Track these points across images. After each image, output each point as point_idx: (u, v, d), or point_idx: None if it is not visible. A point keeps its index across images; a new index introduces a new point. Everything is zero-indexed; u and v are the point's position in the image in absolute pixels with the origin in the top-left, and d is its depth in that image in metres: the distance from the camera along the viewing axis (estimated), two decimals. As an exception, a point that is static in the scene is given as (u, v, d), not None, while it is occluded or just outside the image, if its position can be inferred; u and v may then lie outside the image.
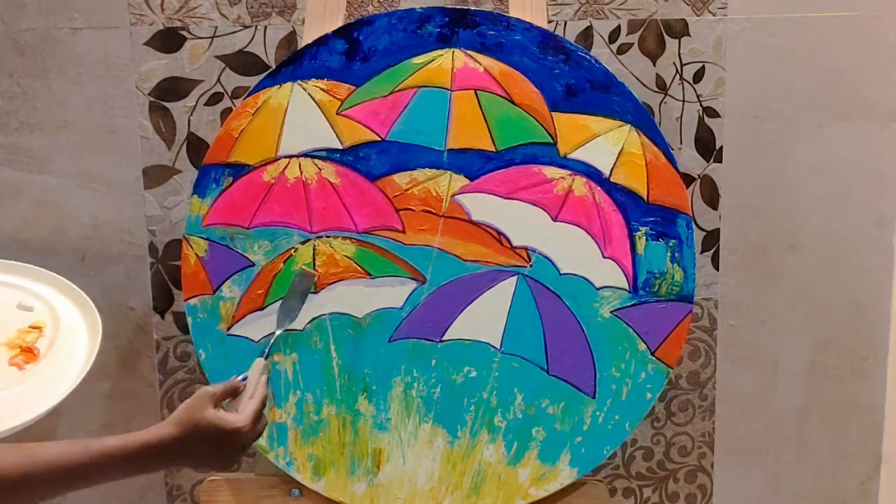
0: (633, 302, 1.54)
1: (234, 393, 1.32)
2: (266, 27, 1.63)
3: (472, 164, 1.52)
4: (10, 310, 1.56)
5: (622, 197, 1.52)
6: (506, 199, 1.53)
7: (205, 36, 1.63)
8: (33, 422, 1.44)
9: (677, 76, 1.68)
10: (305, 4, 1.57)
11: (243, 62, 1.64)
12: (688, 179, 1.69)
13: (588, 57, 1.51)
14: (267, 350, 1.43)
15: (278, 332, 1.48)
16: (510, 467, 1.56)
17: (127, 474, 1.21)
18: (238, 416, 1.27)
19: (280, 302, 1.50)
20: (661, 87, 1.68)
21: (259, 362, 1.38)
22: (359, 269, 1.53)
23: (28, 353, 1.52)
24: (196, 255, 1.54)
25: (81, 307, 1.58)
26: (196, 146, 1.66)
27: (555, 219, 1.53)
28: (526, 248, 1.53)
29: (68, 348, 1.53)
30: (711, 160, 1.71)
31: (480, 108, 1.51)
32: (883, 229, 1.74)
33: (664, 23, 1.66)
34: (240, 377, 1.34)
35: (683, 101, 1.68)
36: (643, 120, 1.52)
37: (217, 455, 1.26)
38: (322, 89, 1.52)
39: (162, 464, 1.24)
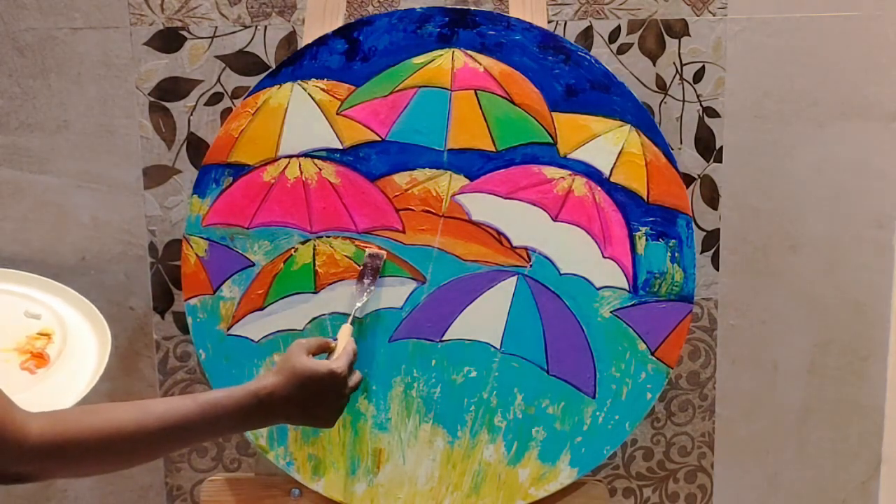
0: (633, 302, 1.54)
1: (324, 348, 1.36)
2: (266, 27, 1.63)
3: (472, 164, 1.52)
4: (18, 317, 1.57)
5: (622, 197, 1.52)
6: (506, 199, 1.53)
7: (205, 36, 1.63)
8: None
9: (677, 76, 1.68)
10: (305, 4, 1.57)
11: (243, 62, 1.64)
12: (688, 179, 1.69)
13: (588, 57, 1.51)
14: (351, 318, 1.46)
15: (359, 304, 1.49)
16: (510, 467, 1.56)
17: (235, 428, 1.23)
18: (333, 360, 1.31)
19: (357, 282, 1.52)
20: (661, 87, 1.68)
21: (346, 327, 1.42)
22: (359, 269, 1.53)
23: (39, 359, 1.52)
24: (196, 255, 1.54)
25: (86, 314, 1.58)
26: (196, 146, 1.66)
27: (555, 219, 1.53)
28: (526, 248, 1.53)
29: (78, 353, 1.54)
30: (711, 160, 1.71)
31: (480, 108, 1.51)
32: (883, 229, 1.74)
33: (664, 23, 1.66)
34: (332, 339, 1.40)
35: (683, 101, 1.68)
36: (643, 120, 1.52)
37: (318, 402, 1.28)
38: (322, 89, 1.52)
39: (267, 414, 1.25)
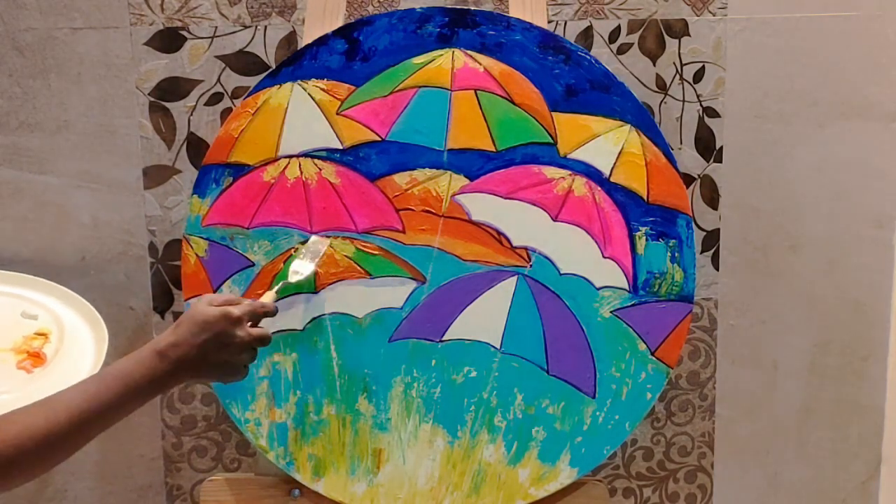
0: (633, 302, 1.54)
1: (231, 303, 1.32)
2: (266, 27, 1.63)
3: (472, 164, 1.52)
4: (15, 318, 1.57)
5: (622, 197, 1.52)
6: (506, 199, 1.53)
7: (205, 36, 1.63)
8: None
9: (677, 76, 1.68)
10: (305, 4, 1.57)
11: (243, 62, 1.64)
12: (688, 179, 1.69)
13: (588, 57, 1.51)
14: (277, 288, 1.44)
15: (288, 282, 1.47)
16: (510, 467, 1.56)
17: (150, 393, 1.22)
18: (230, 308, 1.29)
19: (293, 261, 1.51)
20: (661, 87, 1.68)
21: (269, 293, 1.41)
22: (359, 269, 1.53)
23: (35, 358, 1.53)
24: (196, 255, 1.54)
25: (84, 314, 1.59)
26: (196, 146, 1.66)
27: (555, 219, 1.53)
28: (526, 248, 1.53)
29: (75, 352, 1.54)
30: (711, 160, 1.71)
31: (480, 108, 1.51)
32: (883, 229, 1.74)
33: (664, 23, 1.66)
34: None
35: (683, 101, 1.68)
36: (643, 120, 1.52)
37: (215, 347, 1.27)
38: (322, 89, 1.52)
39: (175, 370, 1.24)
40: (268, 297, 1.41)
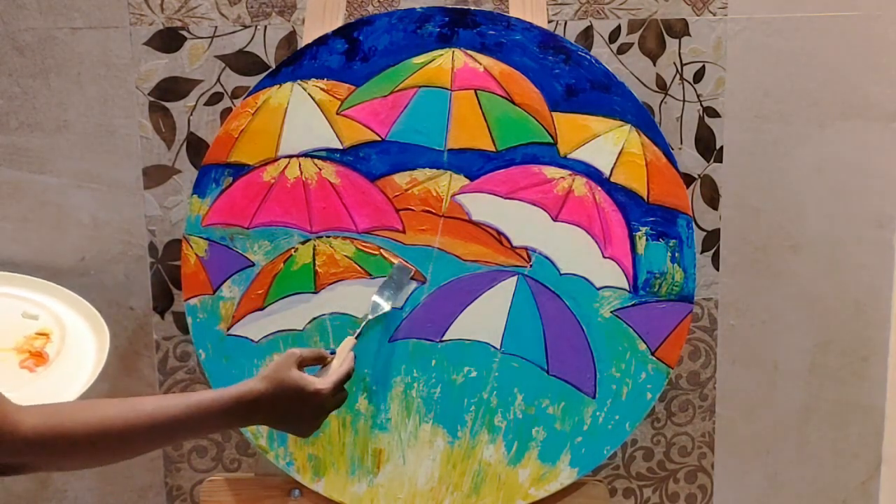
0: (633, 302, 1.53)
1: (319, 360, 1.36)
2: (266, 27, 1.63)
3: (473, 164, 1.52)
4: (16, 318, 1.57)
5: (622, 197, 1.52)
6: (506, 199, 1.53)
7: (205, 36, 1.63)
8: None
9: (677, 76, 1.68)
10: (305, 4, 1.57)
11: (243, 62, 1.64)
12: (688, 179, 1.69)
13: (588, 57, 1.51)
14: (358, 331, 1.44)
15: (371, 317, 1.48)
16: (510, 467, 1.56)
17: (219, 427, 1.27)
18: (320, 379, 1.31)
19: (378, 289, 1.51)
20: (662, 86, 1.68)
21: (349, 340, 1.41)
22: (359, 269, 1.53)
23: (38, 357, 1.53)
24: (196, 255, 1.54)
25: (84, 314, 1.59)
26: (196, 146, 1.66)
27: (555, 219, 1.53)
28: (526, 248, 1.53)
29: (77, 352, 1.54)
30: (711, 160, 1.70)
31: (480, 107, 1.51)
32: (883, 229, 1.74)
33: (664, 23, 1.66)
34: (329, 350, 1.40)
35: (684, 100, 1.68)
36: (643, 120, 1.52)
37: (297, 415, 1.30)
38: (322, 89, 1.52)
39: (250, 417, 1.28)
40: (346, 347, 1.41)
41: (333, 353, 1.39)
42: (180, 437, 1.25)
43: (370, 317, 1.48)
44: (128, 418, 1.15)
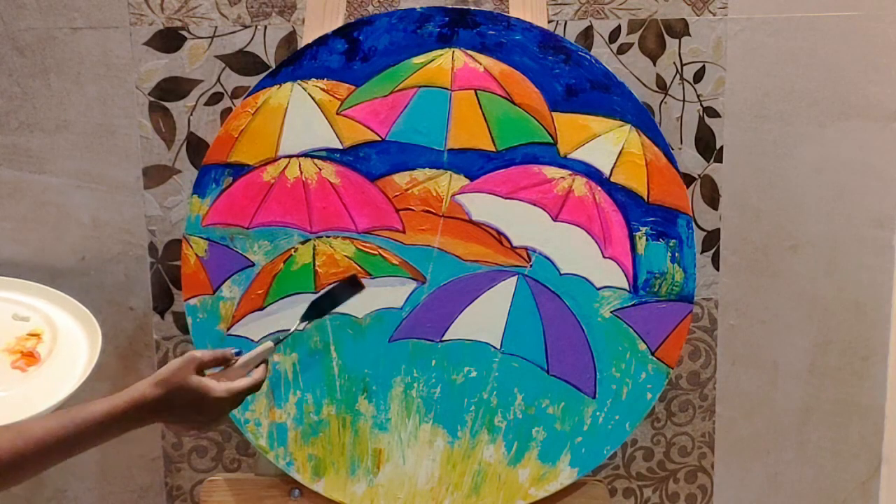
0: (633, 302, 1.54)
1: (221, 362, 1.29)
2: (266, 27, 1.63)
3: (473, 164, 1.52)
4: (7, 321, 1.57)
5: (622, 197, 1.52)
6: (506, 199, 1.53)
7: (205, 36, 1.63)
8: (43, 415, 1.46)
9: (677, 76, 1.68)
10: (305, 4, 1.57)
11: (243, 62, 1.64)
12: (688, 179, 1.69)
13: (588, 57, 1.51)
14: (281, 339, 1.35)
15: (300, 327, 1.39)
16: (510, 467, 1.56)
17: (113, 436, 1.23)
18: (223, 386, 1.26)
19: (315, 297, 1.43)
20: (662, 86, 1.68)
21: (268, 345, 1.31)
22: (359, 269, 1.53)
23: (29, 358, 1.53)
24: (196, 255, 1.54)
25: (75, 314, 1.59)
26: (196, 146, 1.66)
27: (555, 219, 1.53)
28: (526, 248, 1.53)
29: (69, 351, 1.54)
30: (712, 160, 1.70)
31: (480, 107, 1.51)
32: (883, 229, 1.74)
33: (664, 23, 1.66)
34: (234, 350, 1.31)
35: (684, 100, 1.68)
36: (643, 120, 1.52)
37: (193, 417, 1.26)
38: (322, 89, 1.52)
39: (143, 423, 1.25)
40: (264, 351, 1.31)
41: (240, 353, 1.31)
42: (77, 451, 1.20)
43: (300, 325, 1.39)
44: (15, 447, 1.13)
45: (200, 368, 1.26)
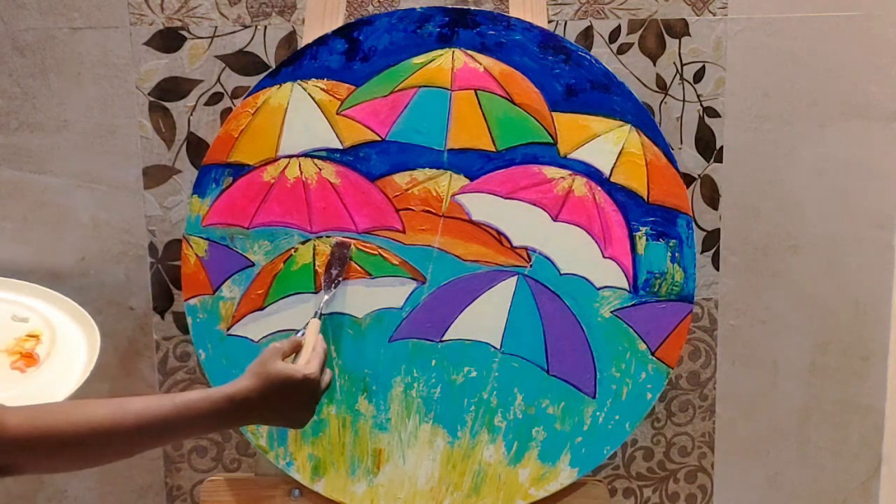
0: (633, 302, 1.53)
1: (297, 349, 1.35)
2: (266, 27, 1.63)
3: (473, 164, 1.52)
4: (6, 322, 1.57)
5: (622, 197, 1.52)
6: (506, 199, 1.53)
7: (205, 36, 1.63)
8: None
9: (677, 76, 1.68)
10: (305, 4, 1.57)
11: (243, 62, 1.64)
12: (688, 179, 1.69)
13: (588, 57, 1.51)
14: (319, 311, 1.44)
15: (326, 297, 1.48)
16: (510, 467, 1.56)
17: (212, 428, 1.26)
18: (305, 365, 1.31)
19: (325, 273, 1.51)
20: (662, 86, 1.68)
21: (314, 322, 1.40)
22: (359, 269, 1.53)
23: (28, 358, 1.53)
24: (196, 255, 1.54)
25: (73, 315, 1.59)
26: (196, 146, 1.66)
27: (555, 219, 1.53)
28: (526, 248, 1.53)
29: (67, 351, 1.54)
30: (712, 160, 1.71)
31: (480, 107, 1.51)
32: (883, 229, 1.74)
33: (664, 23, 1.66)
34: (298, 334, 1.39)
35: (684, 100, 1.68)
36: (643, 120, 1.52)
37: (292, 405, 1.29)
38: (322, 89, 1.52)
39: (242, 417, 1.27)
40: (314, 329, 1.39)
41: (303, 334, 1.38)
42: (168, 438, 1.23)
43: (325, 296, 1.48)
44: (115, 417, 1.14)
45: (283, 356, 1.30)
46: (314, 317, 1.43)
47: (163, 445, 1.20)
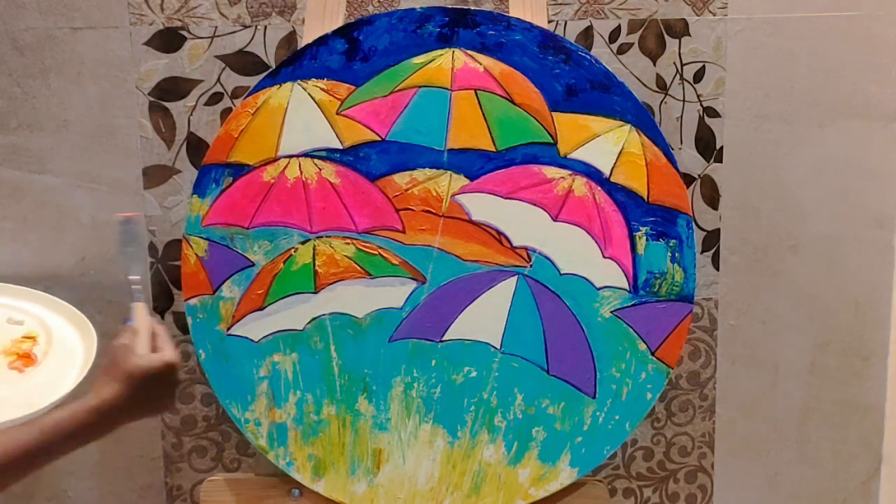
0: (633, 302, 1.54)
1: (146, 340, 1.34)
2: (266, 27, 1.63)
3: (473, 164, 1.52)
4: (1, 324, 1.57)
5: (622, 197, 1.52)
6: (506, 199, 1.53)
7: (205, 36, 1.63)
8: (43, 412, 1.47)
9: (677, 76, 1.68)
10: (305, 4, 1.57)
11: (243, 62, 1.64)
12: (688, 179, 1.69)
13: (588, 57, 1.51)
14: (138, 294, 1.42)
15: (134, 277, 1.44)
16: (510, 467, 1.56)
17: (81, 444, 1.24)
18: (162, 352, 1.31)
19: (123, 251, 1.49)
20: (662, 86, 1.68)
21: (140, 306, 1.39)
22: (359, 269, 1.53)
23: (26, 359, 1.53)
24: (196, 255, 1.54)
25: (66, 315, 1.59)
26: (196, 146, 1.66)
27: (555, 219, 1.53)
28: (526, 248, 1.53)
29: (64, 351, 1.55)
30: (712, 160, 1.70)
31: (480, 107, 1.51)
32: (883, 229, 1.74)
33: (664, 23, 1.66)
34: (126, 322, 1.37)
35: (684, 100, 1.68)
36: (643, 120, 1.52)
37: (159, 395, 1.29)
38: (322, 89, 1.52)
39: (112, 423, 1.26)
40: (143, 313, 1.38)
41: (129, 322, 1.37)
42: (39, 463, 1.21)
43: (131, 276, 1.44)
44: None
45: (134, 350, 1.30)
46: (136, 301, 1.40)
47: (36, 471, 1.20)
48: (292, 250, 1.53)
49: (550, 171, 1.52)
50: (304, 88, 1.52)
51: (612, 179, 1.52)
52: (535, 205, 1.53)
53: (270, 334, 1.54)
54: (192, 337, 1.56)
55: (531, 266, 1.53)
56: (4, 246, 1.67)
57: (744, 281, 1.74)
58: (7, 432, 1.19)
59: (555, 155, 1.52)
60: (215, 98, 1.65)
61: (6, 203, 1.67)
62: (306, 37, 1.53)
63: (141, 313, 1.39)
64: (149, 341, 1.33)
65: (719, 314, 1.75)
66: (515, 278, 1.53)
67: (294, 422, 1.55)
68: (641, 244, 1.53)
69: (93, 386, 1.27)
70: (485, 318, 1.54)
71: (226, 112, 1.65)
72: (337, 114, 1.52)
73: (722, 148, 1.70)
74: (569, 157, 1.52)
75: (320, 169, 1.53)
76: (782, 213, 1.73)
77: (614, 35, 1.65)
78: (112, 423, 1.27)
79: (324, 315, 1.54)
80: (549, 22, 1.61)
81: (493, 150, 1.52)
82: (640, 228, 1.53)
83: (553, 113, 1.51)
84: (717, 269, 1.74)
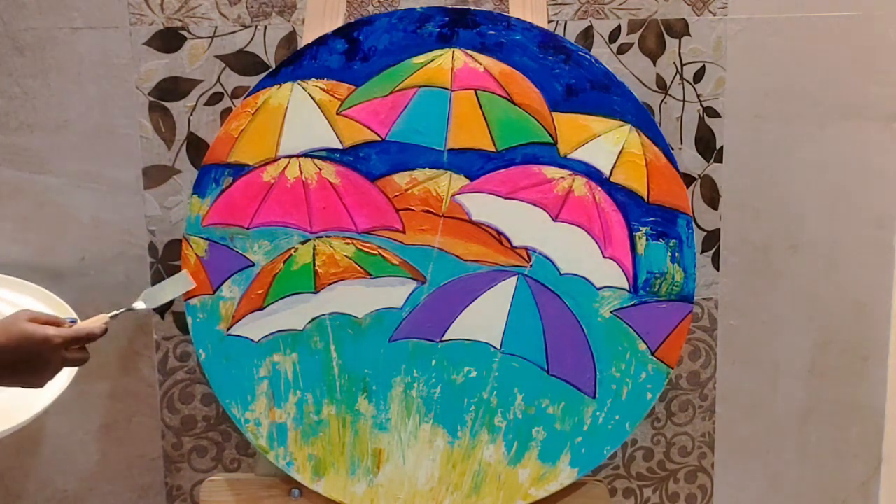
0: (633, 302, 1.54)
1: (53, 324, 1.34)
2: (266, 27, 1.63)
3: (473, 164, 1.52)
4: None
5: (622, 197, 1.52)
6: (506, 199, 1.53)
7: (205, 36, 1.63)
8: (28, 423, 1.47)
9: (677, 76, 1.68)
10: (305, 4, 1.57)
11: (243, 62, 1.64)
12: (688, 179, 1.69)
13: (588, 57, 1.51)
14: (115, 313, 1.44)
15: (140, 307, 1.48)
16: (510, 467, 1.56)
17: None
18: (51, 331, 1.30)
19: (157, 286, 1.54)
20: (662, 86, 1.68)
21: (103, 317, 1.40)
22: (359, 269, 1.53)
23: None
24: (196, 255, 1.54)
25: (59, 311, 1.59)
26: (196, 146, 1.66)
27: (555, 219, 1.53)
28: (526, 248, 1.53)
29: None
30: (712, 160, 1.71)
31: (480, 107, 1.51)
32: (883, 229, 1.74)
33: (664, 23, 1.66)
34: (68, 319, 1.38)
35: (684, 100, 1.68)
36: (643, 120, 1.52)
37: (28, 364, 1.29)
38: (322, 89, 1.52)
39: None
40: (99, 320, 1.40)
41: (74, 322, 1.38)
42: None
43: (140, 306, 1.48)
44: None
45: (32, 319, 1.30)
46: (108, 315, 1.42)
47: None
48: (292, 250, 1.53)
49: (550, 171, 1.52)
50: (304, 88, 1.52)
51: (612, 179, 1.52)
52: (535, 205, 1.53)
53: (270, 334, 1.54)
54: (192, 337, 1.55)
55: (531, 266, 1.53)
56: (5, 246, 1.67)
57: (744, 281, 1.74)
58: None
59: (555, 155, 1.52)
60: (215, 98, 1.65)
61: (6, 203, 1.67)
62: (306, 37, 1.53)
63: (95, 318, 1.40)
64: (59, 327, 1.33)
65: (719, 314, 1.75)
66: (515, 278, 1.53)
67: (294, 422, 1.55)
68: (641, 244, 1.53)
69: None
70: (485, 318, 1.54)
71: (226, 112, 1.65)
72: (337, 114, 1.52)
73: (722, 148, 1.70)
74: (569, 157, 1.52)
75: (320, 169, 1.53)
76: (782, 213, 1.73)
77: (614, 35, 1.65)
78: None
79: (324, 315, 1.54)
80: (549, 22, 1.61)
81: (493, 150, 1.52)
82: (641, 228, 1.53)
83: (553, 113, 1.51)
84: (717, 269, 1.74)
